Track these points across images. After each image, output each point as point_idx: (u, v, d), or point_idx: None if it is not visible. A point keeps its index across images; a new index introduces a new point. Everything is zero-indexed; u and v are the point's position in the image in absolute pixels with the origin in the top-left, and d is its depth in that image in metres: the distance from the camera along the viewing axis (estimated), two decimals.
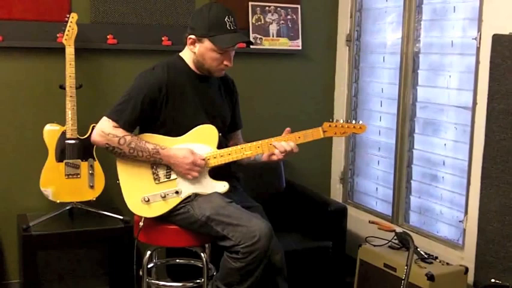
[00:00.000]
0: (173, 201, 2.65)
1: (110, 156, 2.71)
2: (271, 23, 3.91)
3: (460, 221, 3.28)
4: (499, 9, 2.96)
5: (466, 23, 3.28)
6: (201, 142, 2.67)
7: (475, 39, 3.10)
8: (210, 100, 2.76)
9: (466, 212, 3.20)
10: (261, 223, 2.53)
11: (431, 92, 3.53)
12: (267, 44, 3.90)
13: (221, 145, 2.71)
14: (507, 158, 2.82)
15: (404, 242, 3.13)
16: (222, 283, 2.60)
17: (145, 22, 3.62)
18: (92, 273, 3.65)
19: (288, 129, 2.69)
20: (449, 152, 3.41)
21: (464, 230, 3.22)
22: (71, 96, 3.23)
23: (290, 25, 3.96)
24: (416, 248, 3.10)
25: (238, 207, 2.61)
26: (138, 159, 2.62)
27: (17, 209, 3.45)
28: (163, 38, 3.60)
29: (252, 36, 3.82)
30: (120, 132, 2.60)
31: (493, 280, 2.84)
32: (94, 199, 3.31)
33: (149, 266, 2.86)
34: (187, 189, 2.66)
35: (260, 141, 2.67)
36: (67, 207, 3.32)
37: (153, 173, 2.66)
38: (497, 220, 2.87)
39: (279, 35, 3.93)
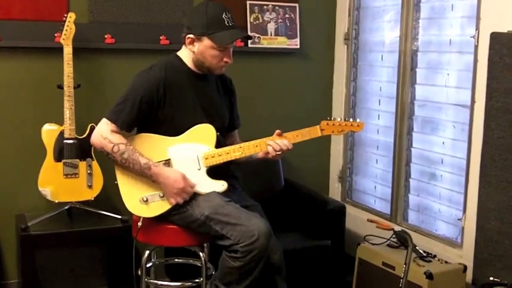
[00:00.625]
0: None
1: None
2: (269, 22, 3.90)
3: (458, 219, 3.28)
4: (497, 7, 2.96)
5: (464, 21, 3.28)
6: (199, 141, 2.66)
7: (473, 37, 3.10)
8: (209, 99, 2.76)
9: (464, 210, 3.20)
10: (260, 222, 2.53)
11: (429, 90, 3.53)
12: (265, 42, 3.89)
13: (220, 144, 2.70)
14: (505, 156, 2.82)
15: (402, 240, 3.14)
16: (221, 282, 2.60)
17: (143, 21, 3.61)
18: (91, 273, 3.64)
19: (278, 131, 2.69)
20: (448, 150, 3.41)
21: (463, 228, 3.23)
22: (69, 96, 3.22)
23: (288, 24, 3.95)
24: (415, 246, 3.11)
25: (237, 206, 2.61)
26: (129, 170, 2.60)
27: (16, 209, 3.44)
28: (161, 38, 3.60)
29: (250, 35, 3.81)
30: (117, 138, 2.58)
31: (491, 278, 2.84)
32: (92, 199, 3.31)
33: (148, 265, 2.86)
34: None
35: (258, 140, 2.67)
36: (65, 207, 3.32)
37: None
38: (495, 218, 2.87)
39: (277, 33, 3.92)
